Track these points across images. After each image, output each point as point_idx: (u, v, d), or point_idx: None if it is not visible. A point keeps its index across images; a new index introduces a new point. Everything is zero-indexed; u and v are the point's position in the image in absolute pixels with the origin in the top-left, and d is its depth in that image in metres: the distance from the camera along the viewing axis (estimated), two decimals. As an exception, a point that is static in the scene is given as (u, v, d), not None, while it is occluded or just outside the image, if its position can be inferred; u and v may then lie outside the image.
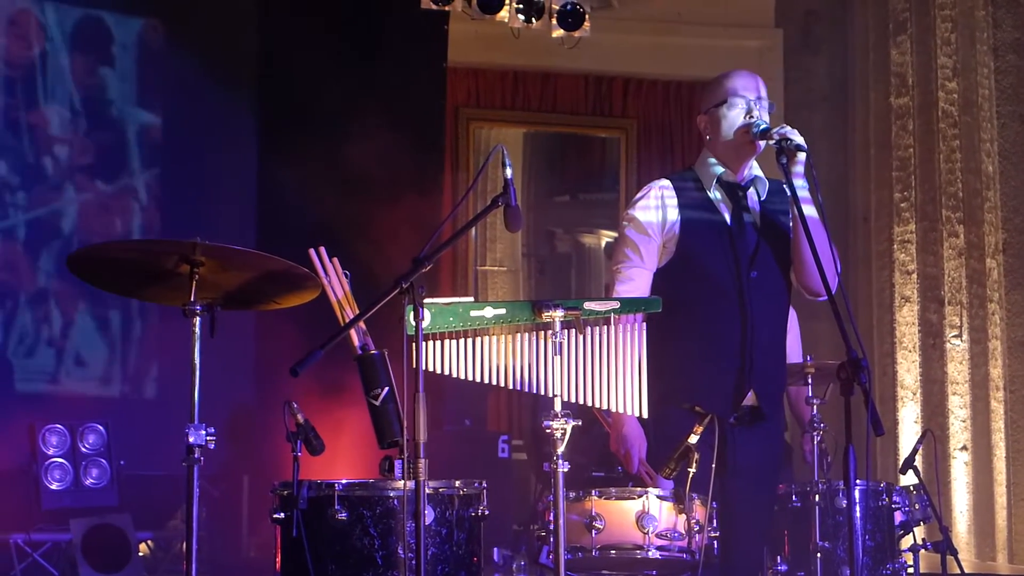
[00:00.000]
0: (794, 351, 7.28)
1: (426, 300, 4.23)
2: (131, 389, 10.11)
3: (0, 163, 9.69)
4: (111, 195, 10.13)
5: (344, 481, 4.49)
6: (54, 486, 8.73)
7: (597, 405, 4.54)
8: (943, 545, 7.10)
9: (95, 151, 10.09)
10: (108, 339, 9.98)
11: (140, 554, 8.81)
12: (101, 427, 8.96)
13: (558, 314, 4.48)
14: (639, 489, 5.01)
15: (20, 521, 8.65)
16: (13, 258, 9.70)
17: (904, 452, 8.91)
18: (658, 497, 4.95)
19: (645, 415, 4.56)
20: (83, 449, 8.87)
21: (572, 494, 4.94)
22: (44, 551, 8.60)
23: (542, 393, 4.52)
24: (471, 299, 4.54)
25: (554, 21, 10.06)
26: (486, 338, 4.53)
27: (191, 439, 4.34)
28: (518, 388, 4.54)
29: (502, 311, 4.53)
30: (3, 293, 9.66)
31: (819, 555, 6.16)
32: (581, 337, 4.52)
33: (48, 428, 8.78)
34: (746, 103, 5.20)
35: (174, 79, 10.29)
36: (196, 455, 4.35)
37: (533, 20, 10.04)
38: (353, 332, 4.60)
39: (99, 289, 4.84)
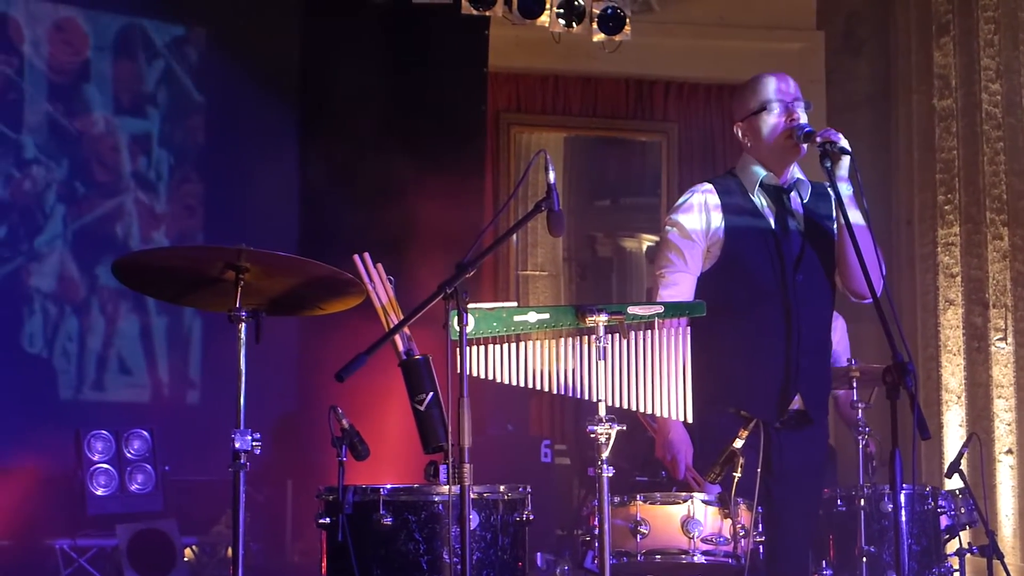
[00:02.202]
0: (842, 355, 7.26)
1: (470, 305, 4.23)
2: (175, 395, 10.14)
3: (45, 169, 9.74)
4: (155, 202, 10.17)
5: (389, 486, 4.49)
6: (99, 492, 8.77)
7: (641, 410, 4.53)
8: (989, 549, 7.07)
9: (138, 158, 10.13)
10: (153, 345, 10.01)
11: (185, 559, 8.83)
12: (146, 433, 9.00)
13: (602, 318, 4.48)
14: (684, 494, 5.00)
15: (66, 527, 8.70)
16: (58, 265, 9.75)
17: (949, 456, 8.87)
18: (703, 502, 4.94)
19: (690, 420, 4.55)
20: (128, 455, 8.91)
21: (617, 499, 4.94)
22: (90, 556, 8.64)
23: (586, 398, 4.51)
24: (514, 304, 4.54)
25: (595, 25, 10.04)
26: (529, 343, 4.52)
27: (237, 444, 4.35)
28: (562, 393, 4.53)
29: (545, 316, 4.53)
30: (48, 300, 9.71)
31: (864, 560, 6.14)
32: (625, 341, 4.52)
33: (93, 434, 8.81)
34: (785, 107, 5.19)
35: (217, 86, 10.32)
36: (242, 460, 4.37)
37: (574, 24, 10.03)
38: (397, 337, 4.60)
39: (144, 295, 4.86)
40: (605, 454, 4.42)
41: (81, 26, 9.96)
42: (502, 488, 4.58)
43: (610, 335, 4.50)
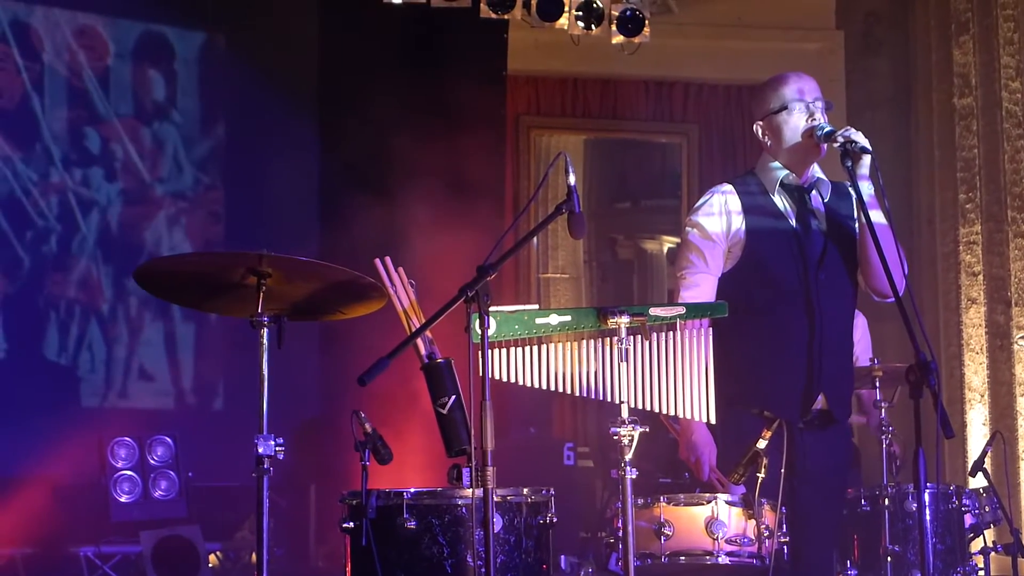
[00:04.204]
0: (863, 354, 7.25)
1: (491, 308, 4.23)
2: (198, 401, 10.17)
3: (67, 176, 9.77)
4: (177, 208, 10.20)
5: (412, 490, 4.49)
6: (123, 499, 8.80)
7: (664, 411, 4.53)
8: (1014, 547, 7.06)
9: (159, 164, 10.16)
10: (175, 352, 10.04)
11: (209, 565, 8.85)
12: (169, 439, 9.02)
13: (623, 320, 4.48)
14: (708, 495, 5.00)
15: (90, 534, 8.73)
16: (80, 273, 9.78)
17: (972, 455, 8.86)
18: (727, 503, 4.94)
19: (713, 420, 4.55)
20: (151, 461, 8.93)
21: (640, 501, 4.94)
22: (114, 563, 8.67)
23: (608, 400, 4.51)
24: (536, 307, 4.55)
25: (614, 27, 10.02)
26: (551, 345, 4.53)
27: (260, 450, 4.36)
28: (584, 395, 4.53)
29: (567, 318, 4.53)
30: (71, 307, 9.74)
31: (889, 559, 6.12)
32: (647, 343, 4.51)
33: (117, 441, 8.84)
34: (805, 106, 5.18)
35: (236, 92, 10.35)
36: (265, 466, 4.37)
37: (593, 27, 10.00)
38: (419, 341, 4.61)
39: (166, 302, 4.87)
40: (628, 456, 4.42)
41: (101, 33, 9.99)
42: (525, 491, 4.58)
43: (632, 337, 4.50)
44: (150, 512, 8.85)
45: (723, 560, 4.90)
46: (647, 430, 4.45)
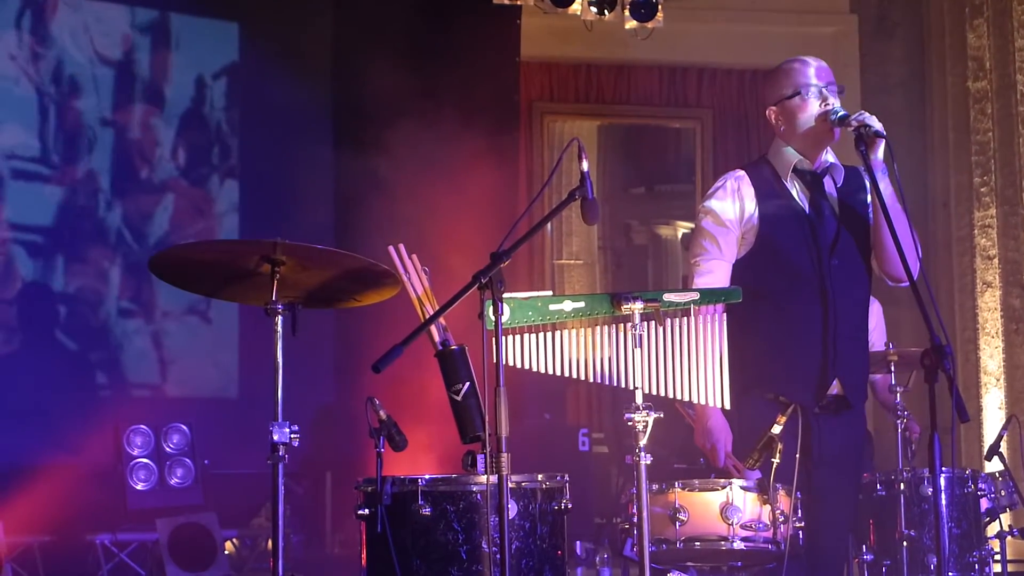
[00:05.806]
0: (878, 339, 7.24)
1: (505, 295, 4.23)
2: (214, 389, 10.18)
3: (83, 164, 9.78)
4: (190, 196, 10.21)
5: (427, 476, 4.49)
6: (139, 486, 8.82)
7: (679, 397, 4.52)
8: (1030, 531, 7.05)
9: (175, 152, 10.16)
10: (190, 339, 10.05)
11: (226, 552, 8.87)
12: (185, 427, 9.04)
13: (637, 306, 4.48)
14: (723, 480, 4.99)
15: (107, 521, 8.75)
16: (97, 261, 9.79)
17: (988, 439, 8.84)
18: (742, 488, 4.93)
19: (727, 406, 4.55)
20: (167, 449, 8.95)
21: (655, 486, 4.93)
22: (131, 551, 8.69)
23: (622, 386, 4.51)
24: (549, 293, 4.55)
25: (627, 12, 10.02)
26: (565, 332, 4.53)
27: (275, 437, 4.36)
28: (598, 381, 4.53)
29: (581, 304, 4.53)
30: (86, 295, 9.75)
31: (905, 543, 6.12)
32: (661, 329, 4.51)
33: (132, 429, 8.86)
34: (819, 91, 5.16)
35: (250, 80, 10.35)
36: (280, 453, 4.38)
37: (606, 12, 10.01)
38: (433, 328, 4.61)
39: (181, 290, 4.88)
40: (643, 442, 4.42)
41: (118, 20, 9.99)
42: (540, 477, 4.58)
43: (646, 323, 4.50)
44: (166, 500, 8.87)
45: (738, 545, 4.90)
46: (662, 416, 4.45)
